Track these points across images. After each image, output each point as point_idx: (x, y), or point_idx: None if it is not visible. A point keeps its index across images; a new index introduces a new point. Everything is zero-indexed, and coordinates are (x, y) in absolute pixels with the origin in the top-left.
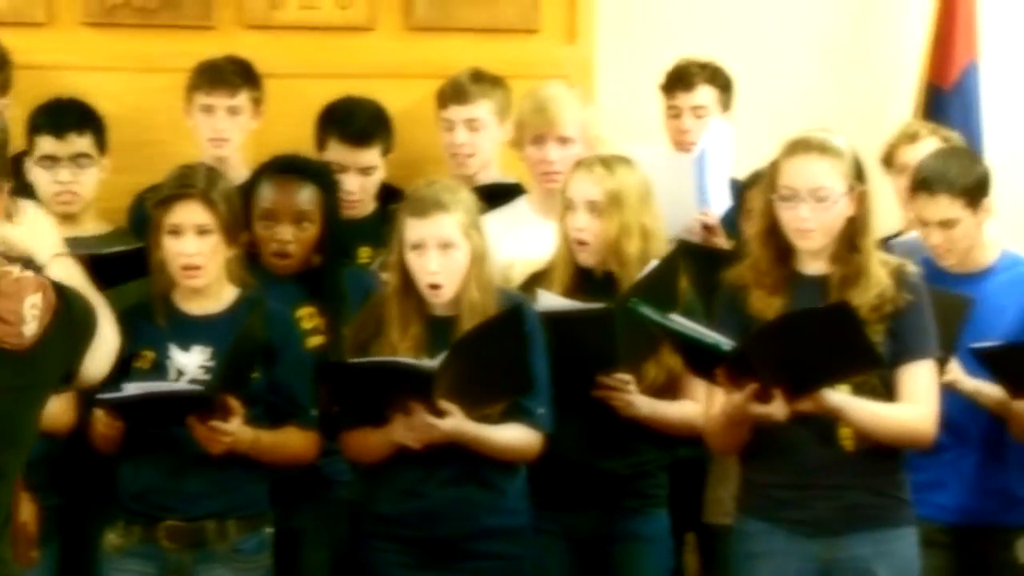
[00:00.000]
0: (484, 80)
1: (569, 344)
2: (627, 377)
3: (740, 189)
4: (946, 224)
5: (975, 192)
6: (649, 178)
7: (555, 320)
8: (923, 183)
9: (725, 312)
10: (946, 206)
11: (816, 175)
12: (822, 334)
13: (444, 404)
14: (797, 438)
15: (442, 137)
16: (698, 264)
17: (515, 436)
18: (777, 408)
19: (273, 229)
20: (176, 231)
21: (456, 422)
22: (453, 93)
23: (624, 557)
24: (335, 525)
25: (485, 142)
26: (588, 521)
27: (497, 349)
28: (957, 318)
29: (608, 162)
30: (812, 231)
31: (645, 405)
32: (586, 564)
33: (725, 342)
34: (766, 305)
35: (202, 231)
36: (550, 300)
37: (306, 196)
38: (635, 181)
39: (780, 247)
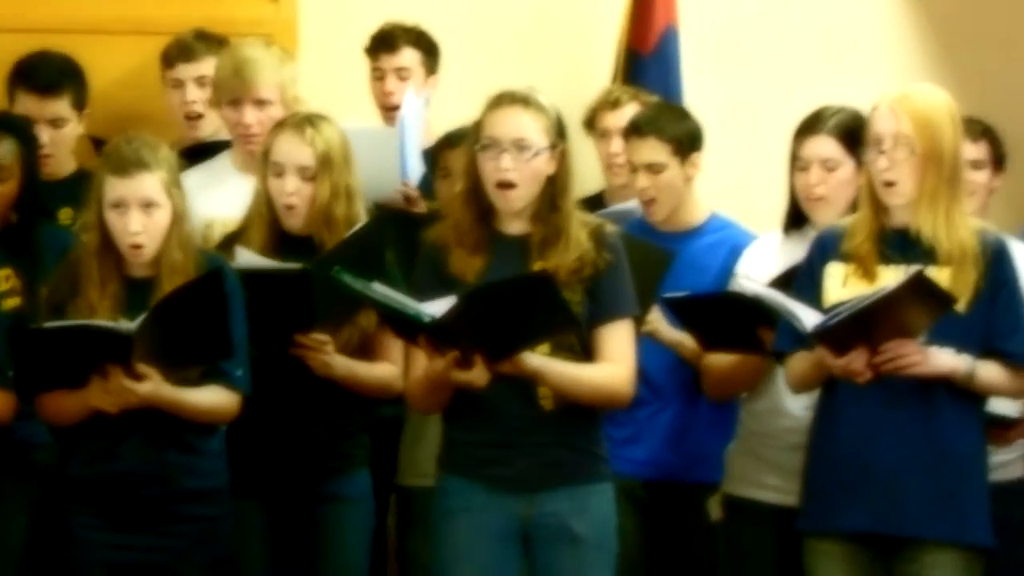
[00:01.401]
0: (210, 39)
1: (266, 303)
2: (324, 338)
3: (432, 153)
4: (653, 168)
5: (684, 142)
6: (347, 135)
7: (252, 279)
8: (634, 127)
9: (426, 271)
10: (654, 149)
11: (518, 126)
12: (520, 301)
13: (142, 368)
14: (498, 397)
15: (170, 97)
16: (398, 230)
17: (212, 398)
18: (478, 374)
19: None
20: None
21: (153, 386)
22: (179, 52)
23: (325, 518)
24: (31, 489)
25: None
26: (288, 482)
27: (197, 313)
28: (658, 271)
29: (315, 123)
30: (515, 185)
31: (342, 366)
32: (287, 525)
33: (426, 312)
34: (467, 265)
35: None
36: (247, 258)
37: (3, 151)
38: (340, 141)
39: (482, 207)
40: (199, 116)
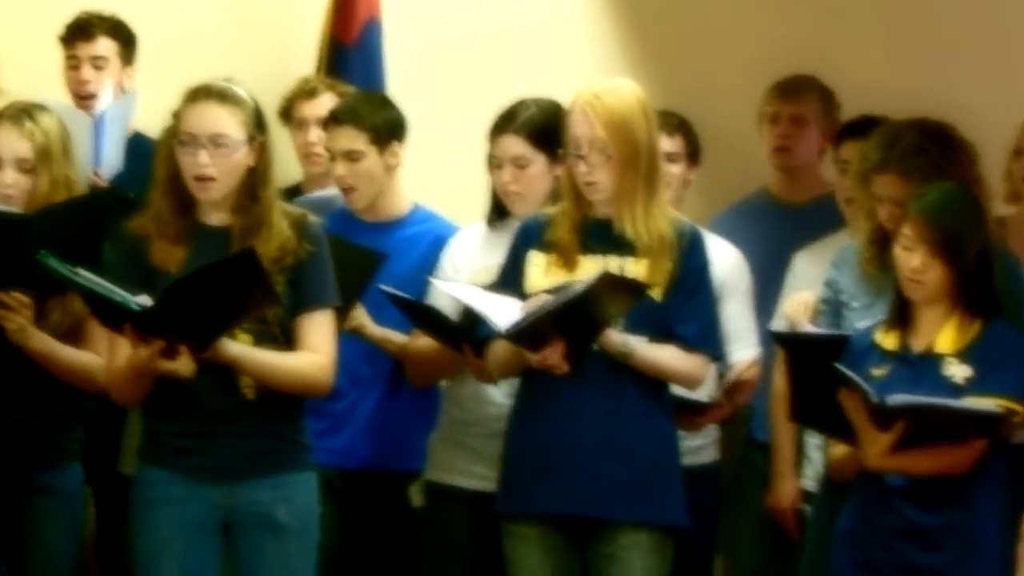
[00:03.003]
0: None
1: None
2: (26, 300)
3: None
4: (351, 156)
5: (383, 131)
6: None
7: None
8: (332, 115)
9: (126, 262)
10: (352, 137)
11: (215, 121)
12: (225, 283)
13: None
14: (198, 387)
15: None
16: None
17: None
18: (183, 364)
19: None
20: None
21: None
22: None
23: (34, 510)
24: None
25: None
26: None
27: None
28: (367, 272)
29: (34, 114)
30: (213, 179)
31: (38, 339)
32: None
33: (134, 301)
34: (168, 256)
35: None
36: None
37: None
38: (59, 132)
39: (182, 197)
40: None
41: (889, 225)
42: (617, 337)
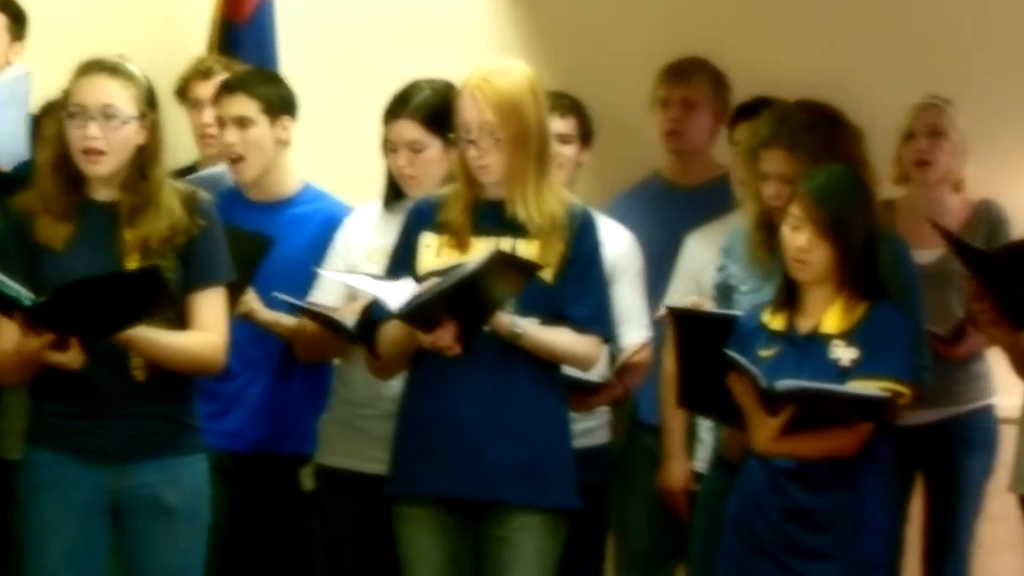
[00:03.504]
0: None
1: None
2: None
3: (34, 121)
4: (242, 123)
5: (274, 103)
6: None
7: None
8: (224, 84)
9: (11, 239)
10: (243, 104)
11: (106, 93)
12: (123, 295)
13: None
14: (88, 368)
15: None
16: None
17: None
18: (73, 357)
19: None
20: None
21: None
22: None
23: None
24: None
25: None
26: None
27: None
28: (255, 256)
29: None
30: (102, 152)
31: None
32: None
33: (27, 296)
34: (54, 232)
35: None
36: None
37: None
38: None
39: (70, 174)
40: None
41: (775, 203)
42: (507, 319)
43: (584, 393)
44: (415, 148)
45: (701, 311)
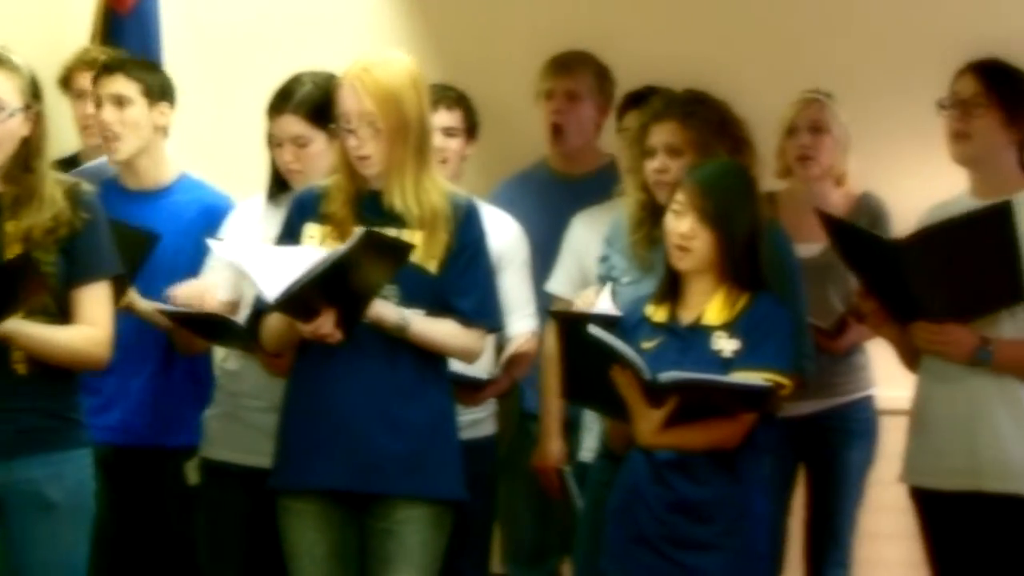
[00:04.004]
0: None
1: None
2: None
3: None
4: (120, 101)
5: (154, 87)
6: None
7: None
8: (104, 65)
9: None
10: (122, 83)
11: None
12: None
13: None
14: None
15: None
16: None
17: None
18: None
19: None
20: None
21: None
22: None
23: None
24: None
25: None
26: None
27: None
28: (141, 252)
29: None
30: None
31: None
32: None
33: None
34: None
35: None
36: None
37: None
38: None
39: None
40: None
41: (660, 178)
42: (393, 311)
43: (471, 389)
44: (300, 143)
45: (584, 313)
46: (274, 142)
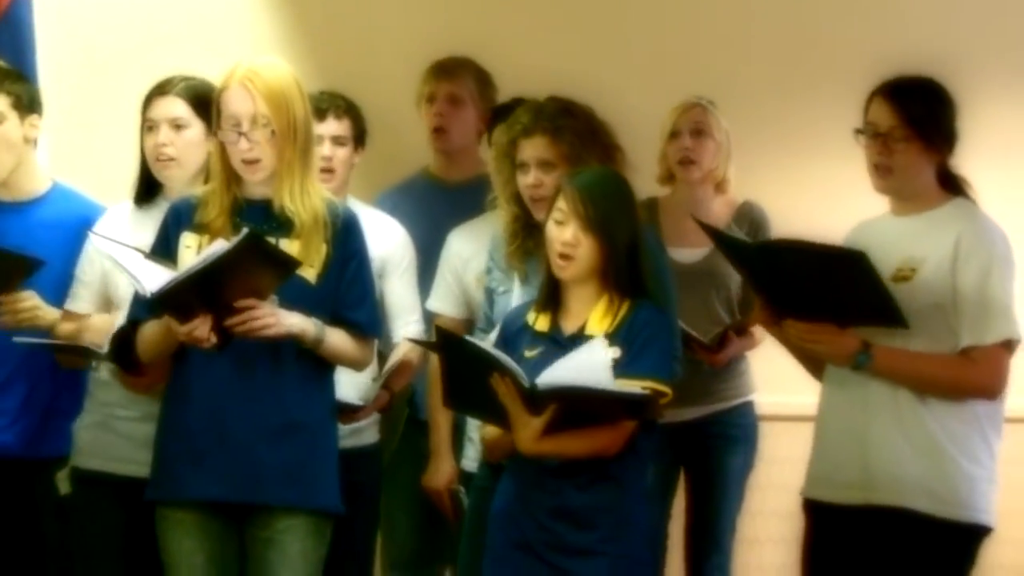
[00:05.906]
0: None
1: None
2: None
3: None
4: None
5: (23, 99)
6: None
7: None
8: None
9: None
10: None
11: None
12: None
13: None
14: None
15: None
16: None
17: None
18: None
19: None
20: None
21: None
22: None
23: None
24: None
25: None
26: None
27: None
28: (17, 276)
29: None
30: None
31: None
32: None
33: None
34: None
35: None
36: None
37: None
38: None
39: None
40: None
41: (535, 193)
42: (311, 325)
43: (350, 412)
44: (178, 124)
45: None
46: (148, 125)
